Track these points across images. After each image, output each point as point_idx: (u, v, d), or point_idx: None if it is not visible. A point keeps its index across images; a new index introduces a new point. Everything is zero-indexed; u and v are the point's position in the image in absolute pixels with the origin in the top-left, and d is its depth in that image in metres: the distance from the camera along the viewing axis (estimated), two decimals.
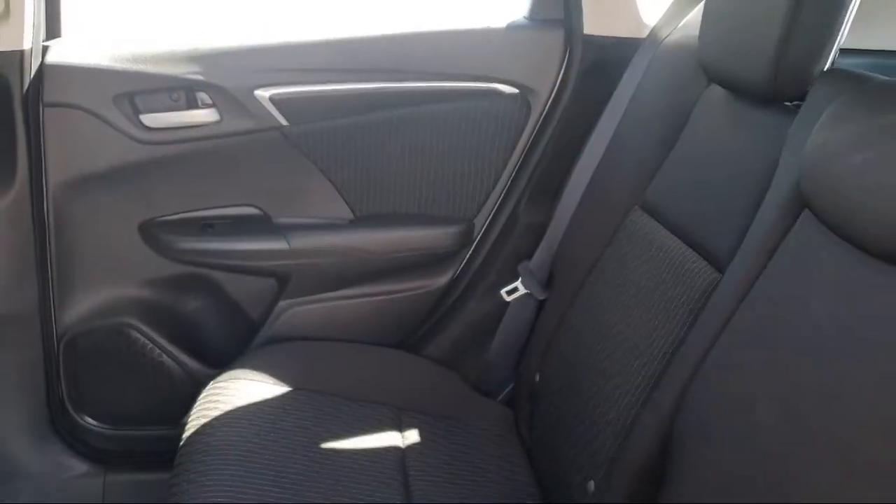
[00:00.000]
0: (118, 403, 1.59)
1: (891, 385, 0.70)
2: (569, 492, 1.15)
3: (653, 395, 1.03)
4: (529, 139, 1.55)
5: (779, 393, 0.82)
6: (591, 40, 1.49)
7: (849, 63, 1.25)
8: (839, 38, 1.07)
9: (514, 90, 1.52)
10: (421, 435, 1.34)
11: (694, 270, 1.06)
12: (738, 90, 1.12)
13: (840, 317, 0.78)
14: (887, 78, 0.92)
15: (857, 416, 0.72)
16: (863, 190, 0.77)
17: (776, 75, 1.01)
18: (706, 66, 1.19)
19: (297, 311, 1.59)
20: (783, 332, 0.85)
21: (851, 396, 0.73)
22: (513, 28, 1.55)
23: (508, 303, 1.50)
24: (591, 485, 1.11)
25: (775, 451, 0.79)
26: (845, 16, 1.06)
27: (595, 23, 1.48)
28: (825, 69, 1.05)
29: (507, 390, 1.53)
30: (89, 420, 1.59)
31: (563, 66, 1.52)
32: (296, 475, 1.18)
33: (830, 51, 1.06)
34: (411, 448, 1.31)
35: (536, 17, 1.55)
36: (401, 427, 1.35)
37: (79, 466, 1.59)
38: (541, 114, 1.54)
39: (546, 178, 1.54)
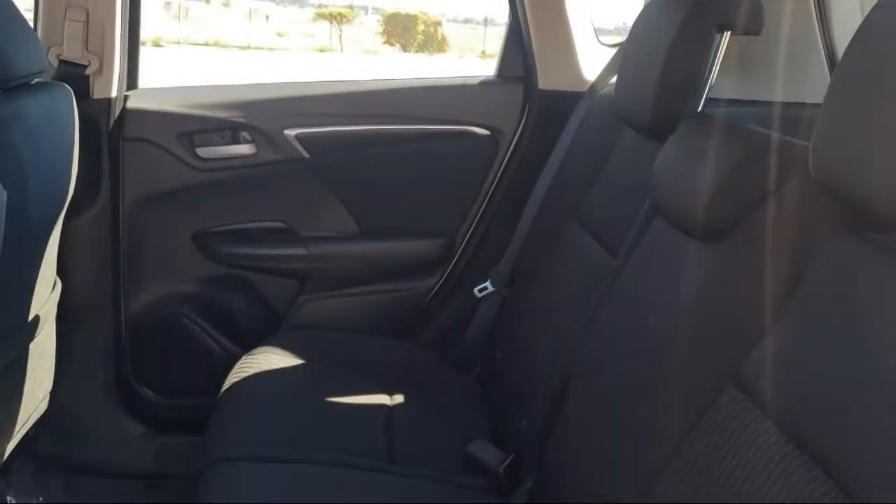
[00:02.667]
0: (170, 377, 1.99)
1: (685, 309, 1.08)
2: (509, 428, 1.53)
3: (563, 354, 1.41)
4: (498, 170, 1.96)
5: (630, 335, 1.20)
6: (545, 93, 1.90)
7: (747, 111, 1.63)
8: (706, 87, 1.46)
9: (486, 132, 1.94)
10: (405, 398, 1.71)
11: (590, 251, 1.44)
12: (636, 128, 1.51)
13: (665, 275, 1.16)
14: (719, 117, 1.31)
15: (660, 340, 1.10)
16: (672, 196, 1.16)
17: (654, 116, 1.40)
18: (619, 113, 1.58)
19: (313, 305, 1.99)
20: (641, 293, 1.23)
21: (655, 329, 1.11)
22: (485, 83, 1.98)
23: (480, 299, 1.89)
24: (524, 422, 1.47)
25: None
26: (707, 72, 1.45)
27: (547, 79, 1.90)
28: (697, 110, 1.44)
29: (477, 370, 1.90)
30: (147, 391, 1.99)
31: (524, 113, 1.94)
32: (305, 420, 1.54)
33: (698, 96, 1.45)
34: (396, 406, 1.67)
35: (503, 74, 1.98)
36: (390, 392, 1.71)
37: (136, 429, 1.98)
38: (506, 150, 1.95)
39: (510, 201, 1.94)
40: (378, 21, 24.58)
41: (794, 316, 0.95)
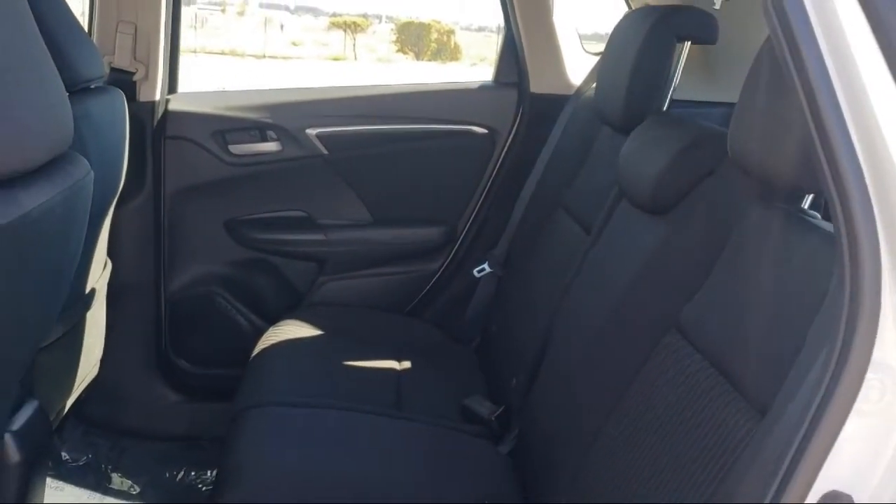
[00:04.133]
0: (204, 349, 2.23)
1: (638, 271, 1.31)
2: (500, 386, 1.76)
3: (544, 319, 1.64)
4: (495, 165, 2.20)
5: (596, 297, 1.43)
6: (536, 96, 2.14)
7: (711, 111, 1.86)
8: (670, 89, 1.69)
9: (484, 131, 2.18)
10: (411, 364, 1.93)
11: (573, 234, 1.67)
12: (610, 125, 1.74)
13: (624, 246, 1.39)
14: (676, 115, 1.54)
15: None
16: (631, 177, 1.39)
17: (624, 114, 1.63)
18: (597, 112, 1.81)
19: (330, 285, 2.23)
20: (606, 263, 1.47)
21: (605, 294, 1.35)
22: (483, 88, 2.23)
23: (479, 279, 2.12)
24: (514, 381, 1.70)
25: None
26: (671, 75, 1.68)
27: (538, 84, 2.14)
28: (662, 109, 1.67)
29: (476, 341, 2.13)
30: (183, 362, 2.23)
31: (518, 114, 2.18)
32: (324, 378, 1.78)
33: (663, 97, 1.68)
34: (403, 370, 1.90)
35: (499, 80, 2.23)
36: (399, 359, 1.94)
37: (173, 396, 2.22)
38: (502, 147, 2.19)
39: (506, 192, 2.17)
40: (392, 30, 24.89)
41: (722, 271, 1.18)
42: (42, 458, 1.54)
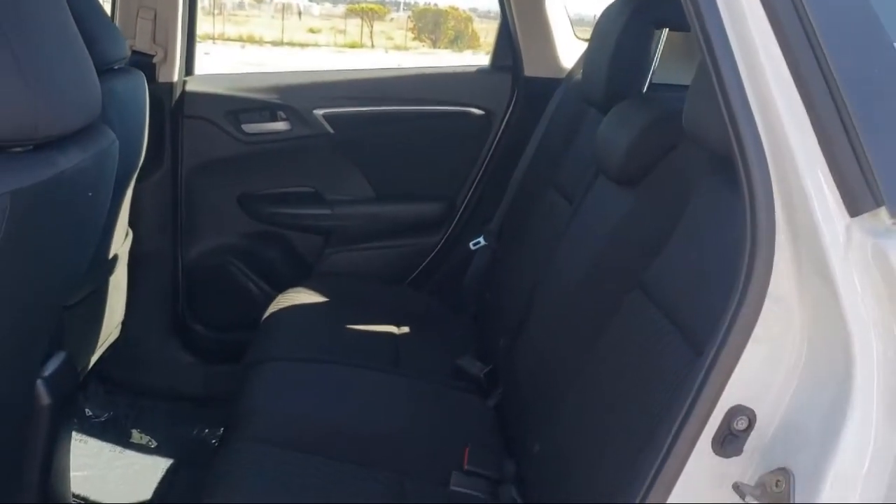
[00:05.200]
0: (218, 314, 2.38)
1: (608, 237, 1.44)
2: (490, 347, 1.90)
3: (530, 284, 1.77)
4: (491, 145, 2.34)
5: (573, 262, 1.57)
6: (529, 80, 2.27)
7: None
8: (649, 72, 1.81)
9: (481, 112, 2.32)
10: (410, 329, 2.08)
11: (559, 208, 1.80)
12: (594, 106, 1.86)
13: (598, 215, 1.52)
14: (651, 96, 1.66)
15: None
16: (604, 151, 1.52)
17: (606, 96, 1.74)
18: (583, 94, 1.94)
19: (336, 257, 2.38)
20: (583, 231, 1.60)
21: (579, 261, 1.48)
22: (480, 71, 2.36)
23: (475, 252, 2.26)
24: (501, 342, 1.84)
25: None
26: (649, 60, 1.79)
27: (531, 68, 2.27)
28: (642, 91, 1.79)
29: (472, 310, 2.27)
30: (198, 327, 2.39)
31: (513, 97, 2.31)
32: (328, 338, 1.92)
33: (643, 80, 1.79)
34: (402, 334, 2.05)
35: (494, 64, 2.36)
36: (398, 325, 2.09)
37: (189, 358, 2.37)
38: (498, 128, 2.32)
39: (501, 170, 2.31)
40: (409, 17, 24.95)
41: (679, 235, 1.30)
42: (69, 405, 1.70)
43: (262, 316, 2.06)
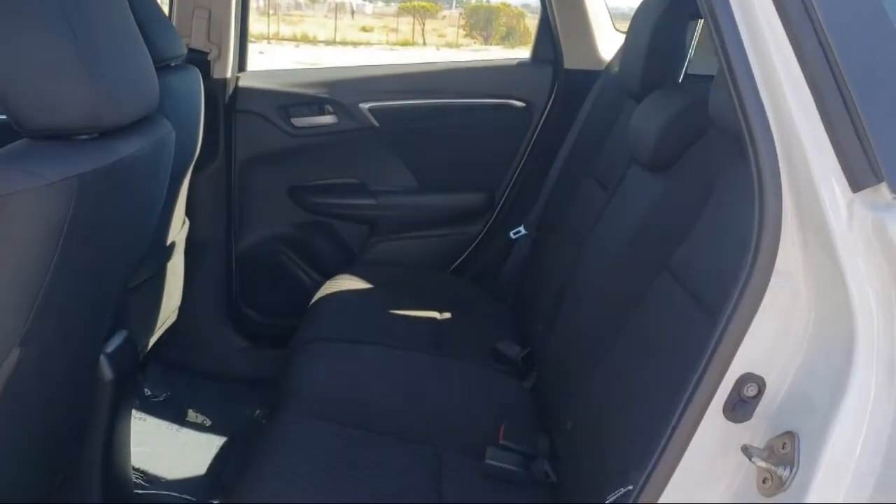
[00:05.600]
0: (269, 300, 2.49)
1: (640, 221, 1.49)
2: (528, 332, 1.95)
3: (566, 269, 1.82)
4: (532, 136, 2.39)
5: (606, 247, 1.61)
6: (569, 72, 2.32)
7: None
8: (685, 63, 1.84)
9: (522, 104, 2.37)
10: (451, 315, 2.15)
11: (595, 196, 1.85)
12: (631, 97, 1.91)
13: (630, 201, 1.57)
14: (684, 84, 1.70)
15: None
16: (637, 138, 1.57)
17: (642, 86, 1.79)
18: (621, 85, 1.98)
19: (380, 246, 2.47)
20: (617, 216, 1.65)
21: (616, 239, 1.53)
22: (522, 65, 2.42)
23: (515, 241, 2.32)
24: (539, 327, 1.89)
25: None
26: (685, 50, 1.83)
27: (571, 61, 2.31)
28: (678, 82, 1.83)
29: (511, 299, 2.33)
30: (250, 312, 2.49)
31: (553, 89, 2.36)
32: (373, 321, 2.00)
33: (678, 70, 1.83)
34: (444, 320, 2.12)
35: (536, 57, 2.41)
36: (440, 311, 2.16)
37: (241, 342, 2.48)
38: (538, 120, 2.38)
39: (541, 161, 2.36)
40: (461, 14, 25.02)
41: (706, 218, 1.35)
42: (129, 381, 1.81)
43: (309, 302, 2.15)
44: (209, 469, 2.12)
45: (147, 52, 1.27)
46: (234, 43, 2.28)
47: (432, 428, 1.58)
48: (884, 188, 0.81)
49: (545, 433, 1.59)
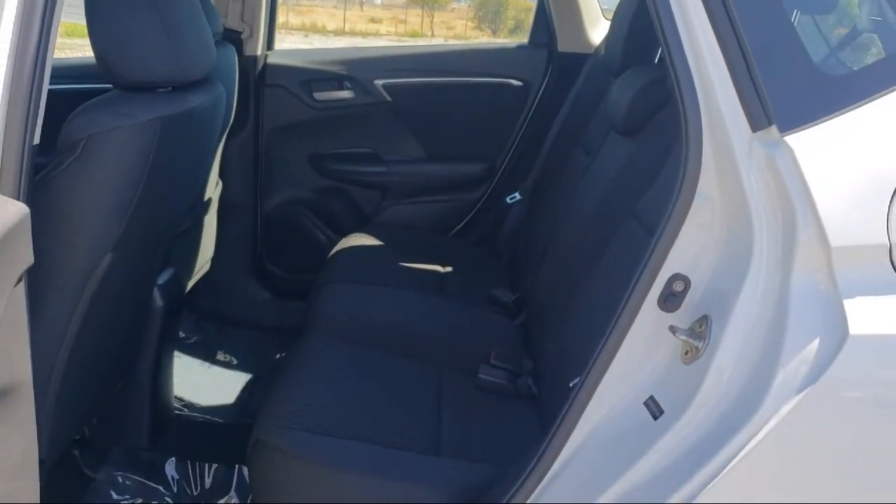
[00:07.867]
0: (291, 257, 2.77)
1: (612, 178, 1.77)
2: (520, 280, 2.23)
3: (552, 224, 2.10)
4: (528, 112, 2.67)
5: (585, 202, 1.89)
6: (562, 55, 2.60)
7: None
8: (660, 47, 2.11)
9: (520, 83, 2.65)
10: (454, 270, 2.42)
11: (580, 161, 2.13)
12: (614, 75, 2.18)
13: (606, 161, 1.85)
14: (657, 62, 1.98)
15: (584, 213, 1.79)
16: (612, 108, 1.84)
17: (622, 65, 2.06)
18: (606, 66, 2.25)
19: (391, 209, 2.75)
20: (595, 176, 1.93)
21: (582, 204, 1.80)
22: (520, 48, 2.70)
23: (511, 205, 2.59)
24: (529, 277, 2.17)
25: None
26: None
27: (564, 44, 2.60)
28: (655, 61, 2.10)
29: (508, 257, 2.60)
30: (274, 268, 2.77)
31: (548, 70, 2.63)
32: (383, 269, 2.28)
33: (654, 52, 2.10)
34: (446, 272, 2.40)
35: (532, 41, 2.69)
36: (443, 265, 2.43)
37: (265, 294, 2.76)
38: (534, 97, 2.66)
39: (536, 134, 2.64)
40: (469, 6, 25.24)
41: (665, 174, 1.62)
42: (175, 312, 2.10)
43: (325, 258, 2.41)
44: (237, 399, 2.41)
45: (206, 22, 1.56)
46: (265, 24, 2.55)
47: (435, 351, 1.86)
48: (774, 129, 1.09)
49: (530, 357, 1.88)
